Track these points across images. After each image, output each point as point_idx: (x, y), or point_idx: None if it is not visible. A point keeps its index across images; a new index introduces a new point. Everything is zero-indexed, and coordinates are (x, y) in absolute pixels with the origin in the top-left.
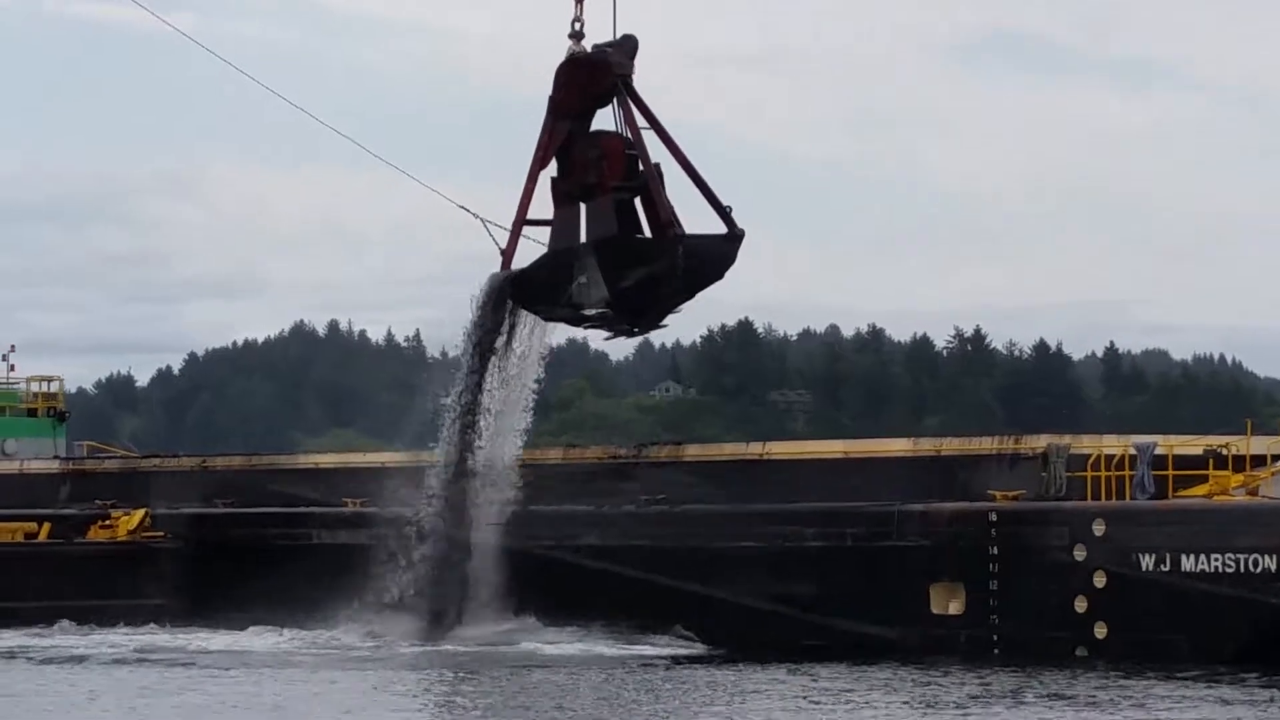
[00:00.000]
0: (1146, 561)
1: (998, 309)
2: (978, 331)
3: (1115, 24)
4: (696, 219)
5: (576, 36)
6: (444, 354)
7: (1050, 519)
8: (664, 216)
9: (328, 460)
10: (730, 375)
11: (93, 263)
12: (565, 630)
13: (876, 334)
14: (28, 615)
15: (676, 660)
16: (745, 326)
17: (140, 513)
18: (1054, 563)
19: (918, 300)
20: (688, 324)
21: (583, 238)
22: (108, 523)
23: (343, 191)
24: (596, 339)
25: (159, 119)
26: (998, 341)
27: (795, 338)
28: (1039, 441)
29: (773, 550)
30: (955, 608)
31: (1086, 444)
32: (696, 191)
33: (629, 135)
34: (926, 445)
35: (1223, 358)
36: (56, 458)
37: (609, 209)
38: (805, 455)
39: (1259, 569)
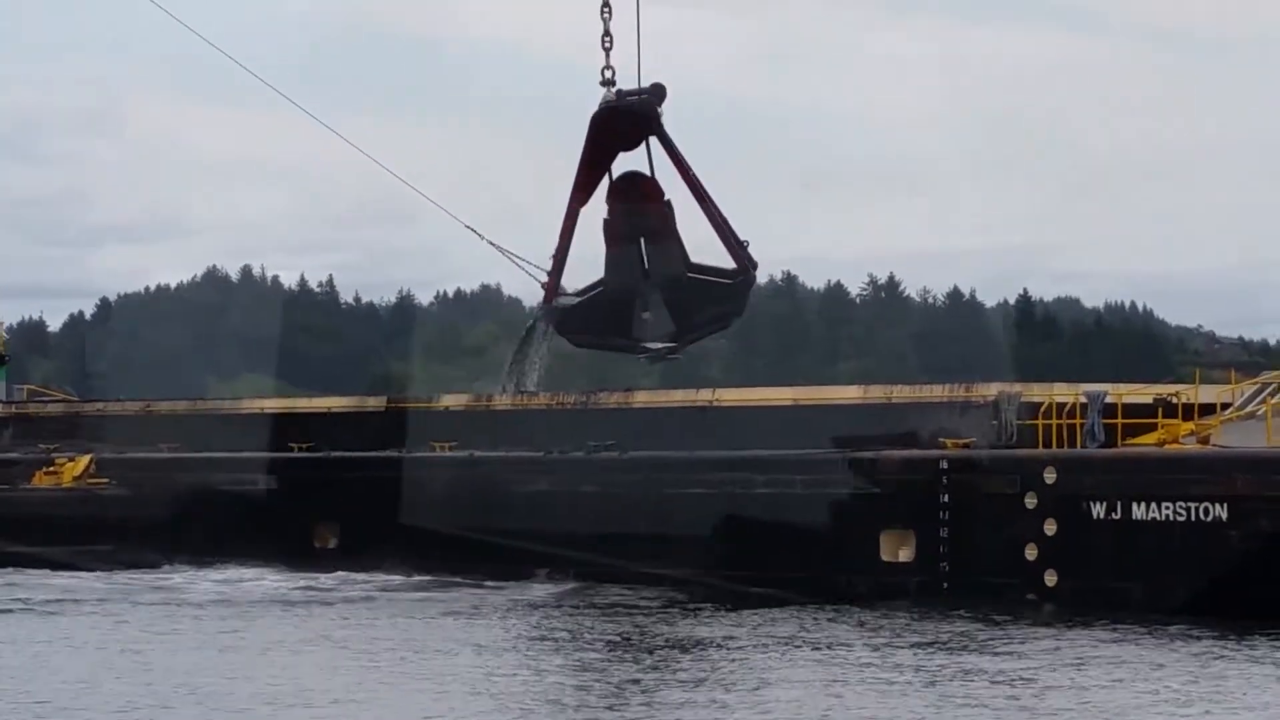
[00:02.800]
0: (1097, 509)
1: (912, 254)
2: (891, 279)
3: None
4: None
5: (608, 84)
6: (357, 299)
7: (1001, 466)
8: (739, 262)
9: (272, 405)
10: None
11: (2, 204)
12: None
13: (790, 280)
14: None
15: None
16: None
17: (85, 458)
18: (1004, 510)
19: (831, 246)
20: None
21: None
22: (52, 469)
23: (258, 130)
24: (511, 287)
25: (73, 51)
26: (911, 289)
27: None
28: (989, 389)
29: (722, 497)
30: (906, 555)
31: (1037, 392)
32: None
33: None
34: (877, 392)
35: (1134, 305)
36: None
37: (677, 250)
38: (755, 402)
39: (1210, 517)
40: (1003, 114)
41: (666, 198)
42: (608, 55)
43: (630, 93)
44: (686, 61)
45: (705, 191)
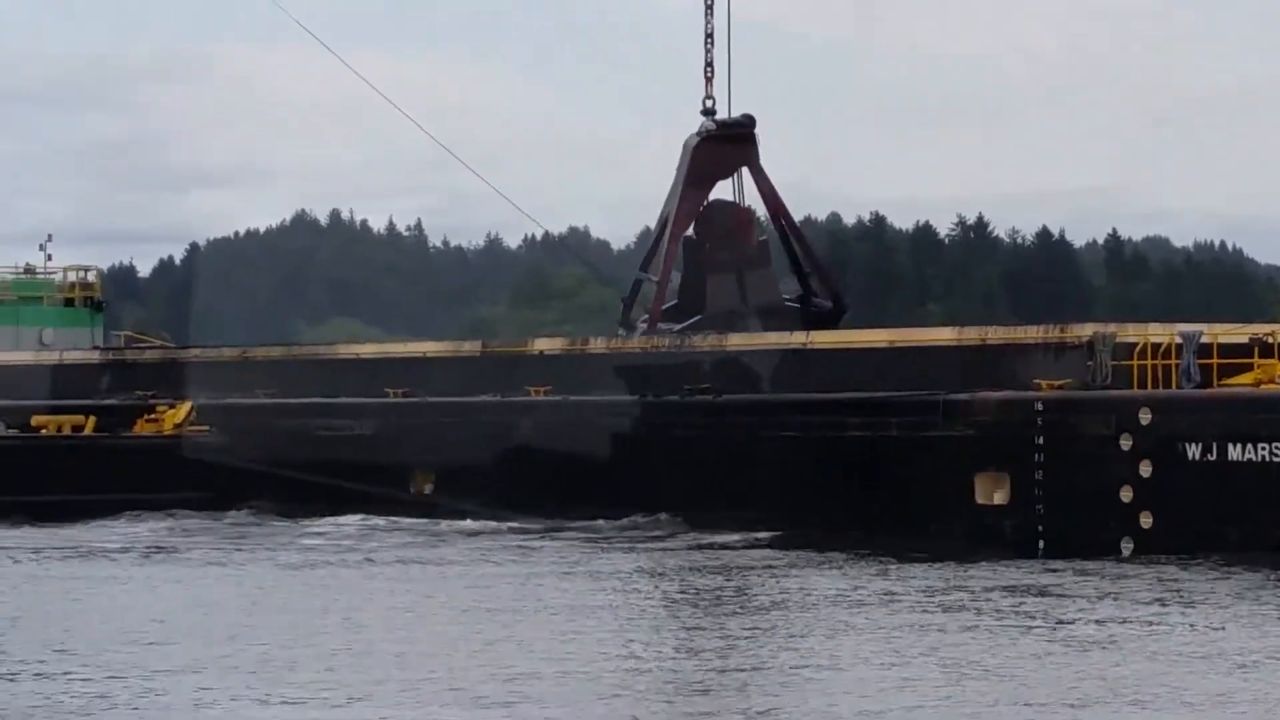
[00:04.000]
0: (1193, 450)
1: (1001, 195)
2: (980, 219)
3: None
4: None
5: (709, 113)
6: (445, 243)
7: (1096, 408)
8: (834, 289)
9: (368, 350)
10: None
11: (90, 150)
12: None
13: (879, 221)
14: (79, 508)
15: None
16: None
17: (186, 405)
18: (1100, 452)
19: (919, 187)
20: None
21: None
22: (153, 416)
23: (341, 73)
24: (599, 229)
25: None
26: (1000, 229)
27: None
28: (1084, 330)
29: (816, 440)
30: (1000, 498)
31: (1132, 333)
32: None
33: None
34: (972, 335)
35: (1223, 244)
36: (96, 348)
37: (773, 280)
38: (849, 344)
39: None
40: (1093, 52)
41: (763, 233)
42: (709, 85)
43: (729, 123)
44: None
45: (794, 222)
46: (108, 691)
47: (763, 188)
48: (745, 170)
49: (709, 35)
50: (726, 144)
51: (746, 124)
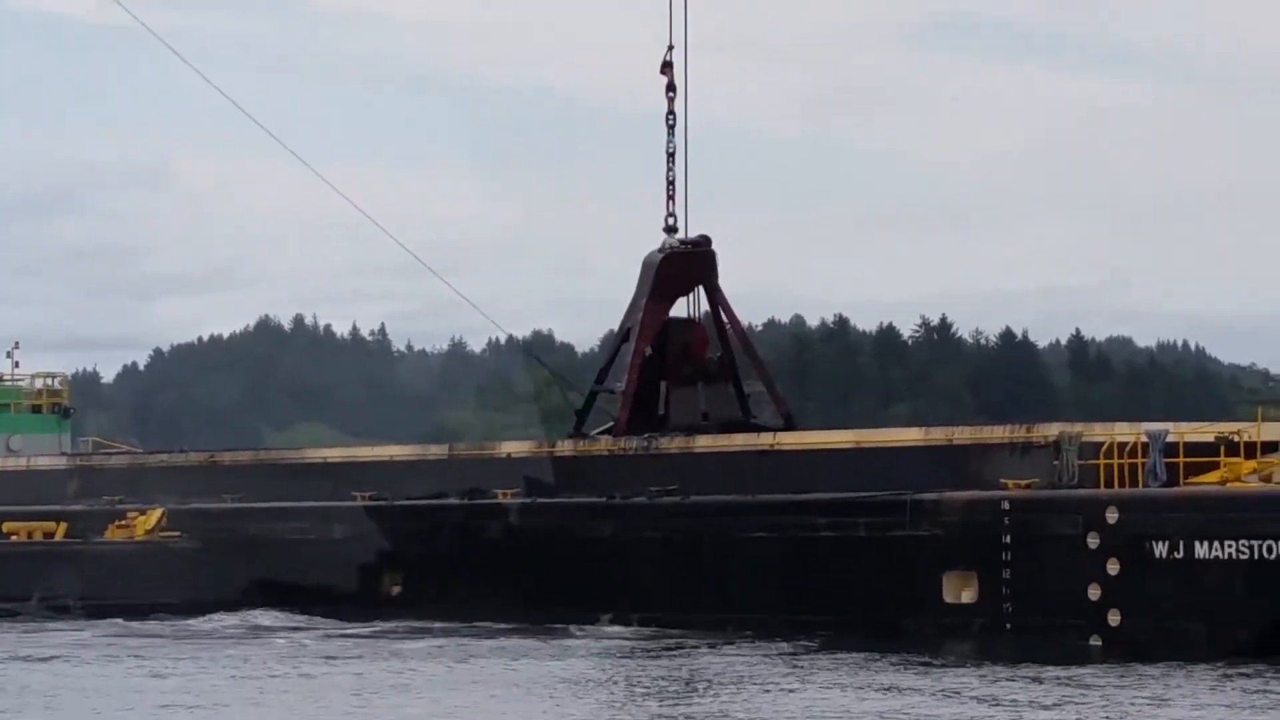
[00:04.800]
0: (1160, 549)
1: (963, 296)
2: (943, 320)
3: (1071, 4)
4: None
5: (670, 230)
6: (409, 347)
7: (1063, 507)
8: (783, 409)
9: (335, 454)
10: None
11: (57, 258)
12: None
13: (842, 323)
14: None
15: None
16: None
17: (157, 511)
18: (1067, 551)
19: (882, 289)
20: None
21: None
22: (124, 522)
23: (307, 183)
24: (565, 333)
25: (124, 112)
26: (964, 330)
27: (760, 328)
28: (1051, 430)
29: (786, 540)
30: (969, 596)
31: (1098, 432)
32: None
33: (718, 323)
34: (938, 435)
35: (1186, 344)
36: (64, 454)
37: (732, 396)
38: (816, 445)
39: (1274, 555)
40: (1053, 156)
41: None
42: (670, 202)
43: (692, 241)
44: (741, 106)
45: (750, 340)
46: None
47: (722, 305)
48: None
49: (670, 154)
50: (689, 261)
51: (705, 243)
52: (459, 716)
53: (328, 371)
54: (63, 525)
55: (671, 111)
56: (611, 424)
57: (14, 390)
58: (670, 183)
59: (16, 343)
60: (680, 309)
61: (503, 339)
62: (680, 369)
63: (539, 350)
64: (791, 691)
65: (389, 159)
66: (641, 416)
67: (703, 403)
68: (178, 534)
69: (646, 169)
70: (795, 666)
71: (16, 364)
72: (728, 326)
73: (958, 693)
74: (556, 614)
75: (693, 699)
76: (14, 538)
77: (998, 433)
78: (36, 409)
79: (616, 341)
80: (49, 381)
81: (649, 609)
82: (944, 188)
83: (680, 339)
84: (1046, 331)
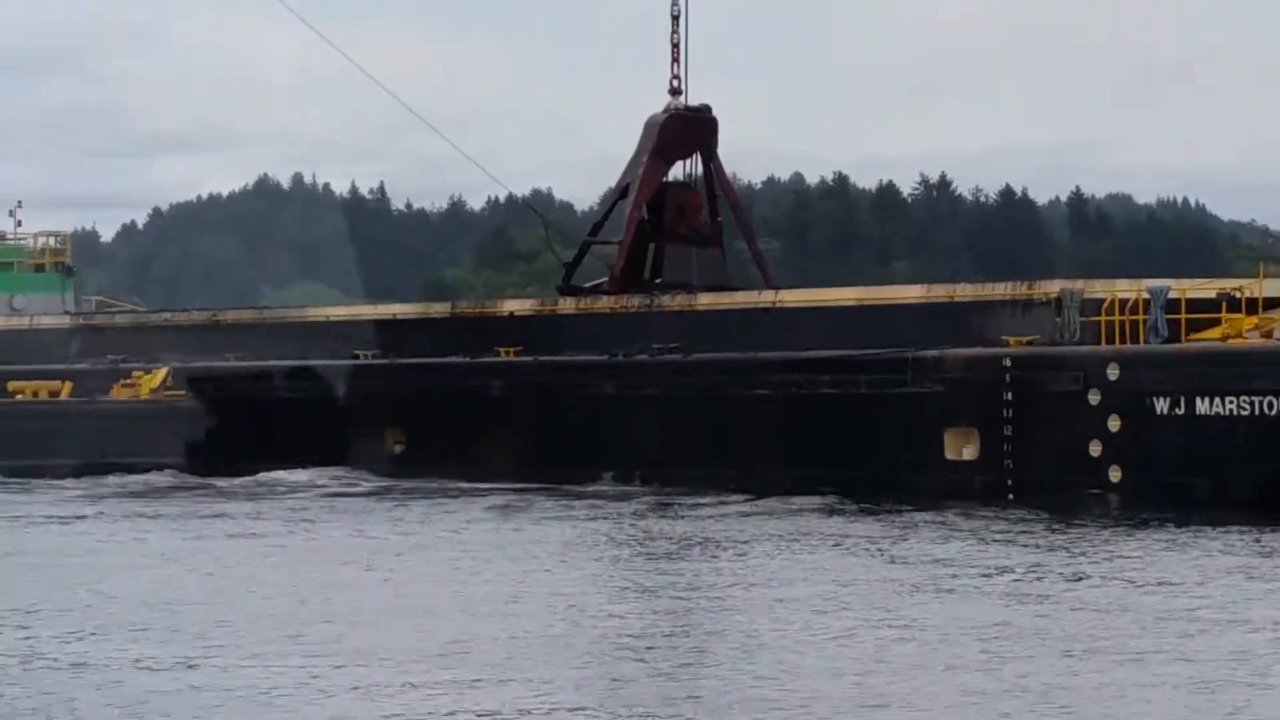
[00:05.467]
0: (1161, 405)
1: (963, 154)
2: (943, 178)
3: None
4: None
5: (675, 92)
6: (408, 206)
7: (1064, 364)
8: (769, 282)
9: (339, 313)
10: None
11: (56, 117)
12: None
13: (842, 181)
14: (56, 472)
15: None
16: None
17: (163, 370)
18: (1068, 407)
19: (882, 146)
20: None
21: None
22: (129, 381)
23: (303, 41)
24: (562, 191)
25: None
26: (963, 187)
27: (760, 186)
28: (1052, 287)
29: (788, 398)
30: (970, 453)
31: (1099, 288)
32: None
33: (711, 190)
34: (940, 292)
35: (1186, 201)
36: (67, 313)
37: (721, 262)
38: (818, 303)
39: (1275, 411)
40: (1055, 12)
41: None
42: (675, 64)
43: (694, 108)
44: None
45: (742, 209)
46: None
47: (718, 173)
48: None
49: (674, 17)
50: (690, 125)
51: (706, 111)
52: (453, 576)
53: (327, 230)
54: (68, 384)
55: None
56: (603, 280)
57: (16, 249)
58: (675, 45)
59: (19, 201)
60: (677, 174)
61: (502, 197)
62: (674, 230)
63: (539, 208)
64: (793, 551)
65: (386, 17)
66: (634, 274)
67: (695, 265)
68: (183, 393)
69: (649, 29)
70: (795, 524)
71: (19, 223)
72: (721, 194)
73: (957, 546)
74: (559, 473)
75: (691, 558)
76: (19, 397)
77: (999, 290)
78: (39, 268)
79: (614, 197)
80: (51, 240)
81: (651, 466)
82: (944, 45)
83: (676, 201)
84: (1046, 189)
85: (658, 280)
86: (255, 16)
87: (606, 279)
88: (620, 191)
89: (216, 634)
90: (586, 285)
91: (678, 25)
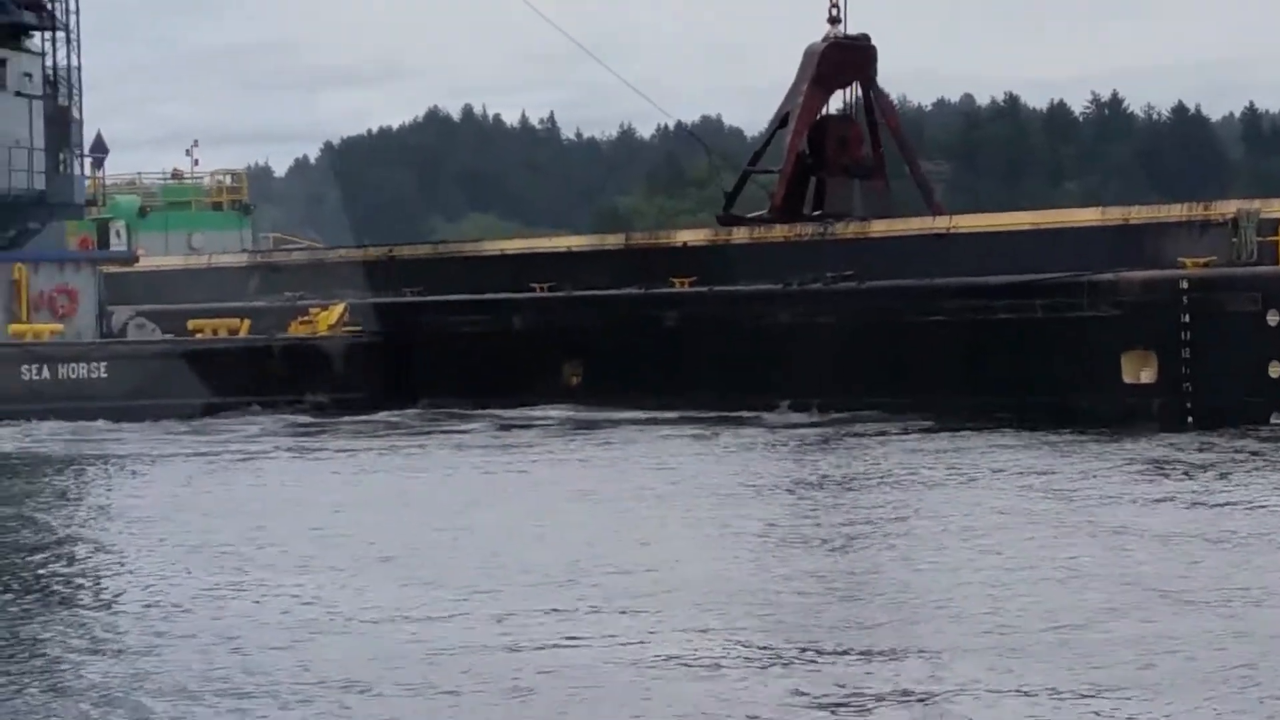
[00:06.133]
0: None
1: (1134, 70)
2: (1114, 96)
3: None
4: None
5: (834, 21)
6: (579, 135)
7: (1242, 284)
8: (936, 210)
9: (513, 247)
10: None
11: (225, 53)
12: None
13: (1012, 101)
14: (240, 409)
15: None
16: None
17: (339, 307)
18: (1247, 328)
19: (1053, 67)
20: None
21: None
22: (306, 318)
23: None
24: (732, 118)
25: None
26: (1135, 105)
27: (930, 108)
28: (1228, 207)
29: (963, 323)
30: (1148, 376)
31: (1277, 208)
32: None
33: (872, 120)
34: (1115, 214)
35: None
36: (244, 251)
37: (886, 193)
38: (992, 227)
39: None
40: None
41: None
42: None
43: (854, 36)
44: None
45: (906, 139)
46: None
47: (881, 104)
48: (858, 85)
49: None
50: (850, 53)
51: (865, 40)
52: (634, 497)
53: (497, 161)
54: (246, 322)
55: None
56: (763, 212)
57: (195, 188)
58: None
59: (195, 141)
60: (837, 103)
61: (671, 125)
62: (836, 163)
63: (708, 135)
64: (974, 480)
65: None
66: (794, 205)
67: (858, 197)
68: (360, 329)
69: None
70: (978, 452)
71: (196, 161)
72: (883, 123)
73: (1144, 468)
74: (737, 401)
75: (874, 489)
76: (199, 335)
77: (1175, 211)
78: (217, 206)
79: (773, 126)
80: (228, 178)
81: (827, 394)
82: None
83: (837, 134)
84: (1219, 104)
85: (817, 213)
86: None
87: (766, 210)
88: (780, 121)
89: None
90: (748, 216)
91: None
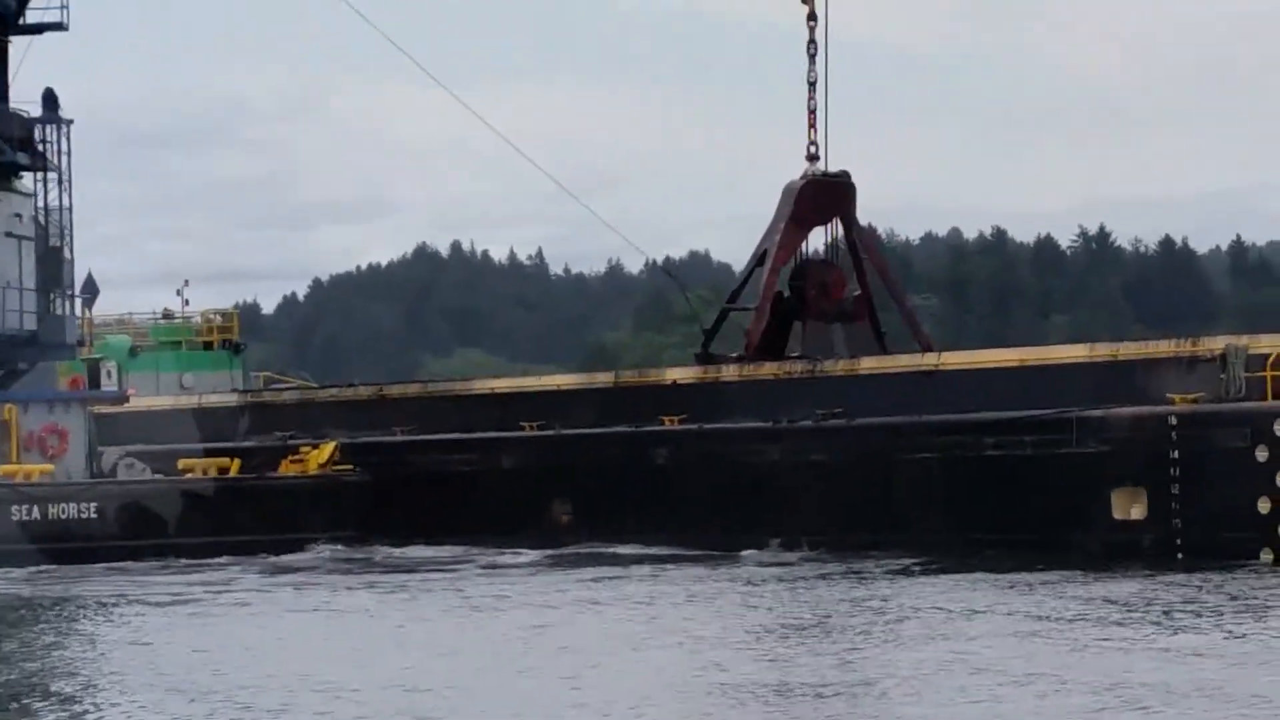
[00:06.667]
0: None
1: (1121, 202)
2: (1101, 229)
3: None
4: None
5: (813, 158)
6: (566, 270)
7: (1231, 420)
8: (924, 344)
9: (502, 385)
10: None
11: (214, 189)
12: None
13: (1000, 235)
14: (230, 549)
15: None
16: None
17: (330, 445)
18: (1236, 465)
19: (1039, 200)
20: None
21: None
22: (296, 456)
23: (457, 110)
24: (720, 252)
25: (278, 41)
26: (1122, 239)
27: (918, 242)
28: (1217, 343)
29: (952, 460)
30: (1137, 513)
31: (1265, 344)
32: None
33: (855, 257)
34: (1103, 350)
35: None
36: (235, 390)
37: (873, 335)
38: (980, 364)
39: None
40: (1206, 60)
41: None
42: (812, 130)
43: (832, 174)
44: (883, 19)
45: (889, 274)
46: None
47: (859, 238)
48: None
49: (811, 83)
50: (828, 190)
51: (845, 178)
52: (635, 639)
53: (486, 297)
54: (236, 461)
55: (812, 40)
56: (740, 353)
57: (186, 328)
58: (811, 111)
59: (186, 280)
60: (820, 239)
61: (660, 259)
62: (818, 308)
63: (695, 270)
64: (974, 617)
65: (535, 80)
66: (771, 344)
67: (841, 341)
68: (351, 468)
69: (791, 88)
70: (973, 590)
71: (186, 301)
72: (864, 260)
73: (1136, 609)
74: (728, 539)
75: (874, 626)
76: (189, 475)
77: (1163, 347)
78: (208, 345)
79: (751, 264)
80: (218, 318)
81: (817, 532)
82: (1098, 92)
83: (818, 279)
84: (1207, 237)
85: (796, 356)
86: (408, 83)
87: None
88: (758, 259)
89: None
90: (730, 356)
91: (813, 91)
